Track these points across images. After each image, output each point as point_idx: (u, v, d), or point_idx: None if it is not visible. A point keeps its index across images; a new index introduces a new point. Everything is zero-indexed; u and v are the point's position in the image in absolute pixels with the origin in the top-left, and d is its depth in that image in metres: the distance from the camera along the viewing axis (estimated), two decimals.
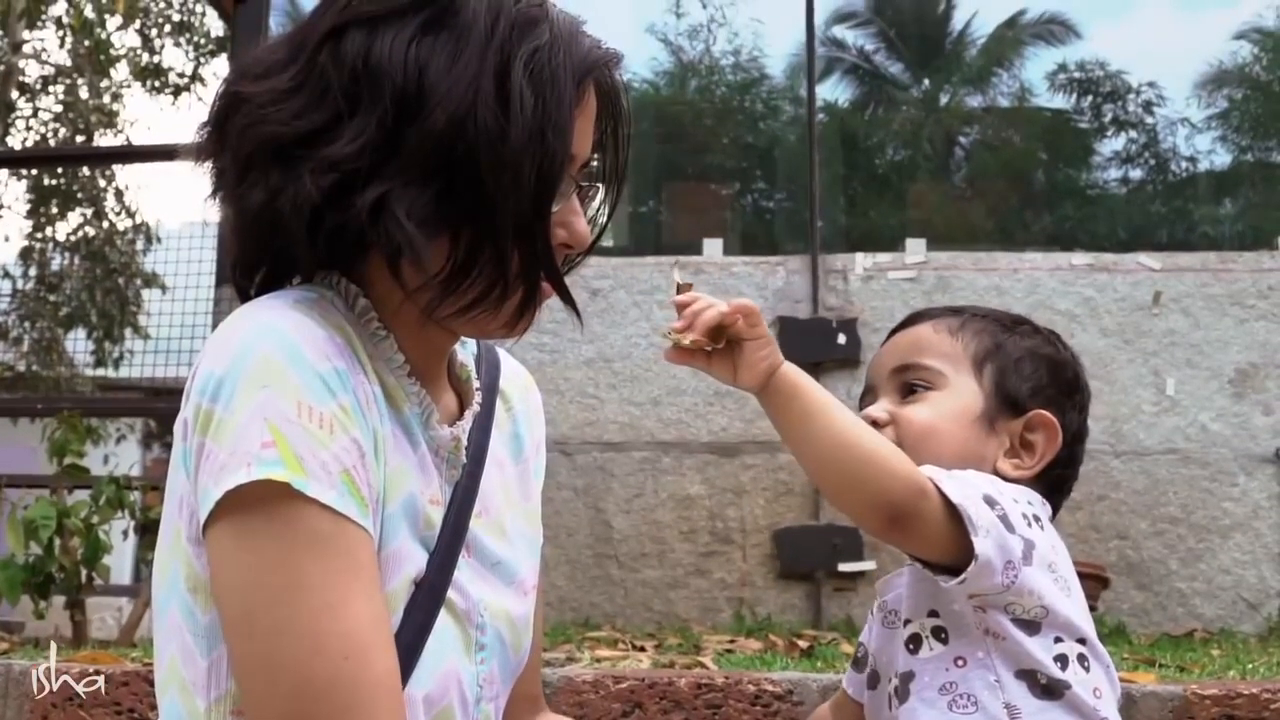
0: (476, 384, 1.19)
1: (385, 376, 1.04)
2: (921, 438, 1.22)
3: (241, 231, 1.05)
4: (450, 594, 1.05)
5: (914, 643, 1.18)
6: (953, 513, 1.10)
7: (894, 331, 1.36)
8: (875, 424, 1.24)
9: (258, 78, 1.02)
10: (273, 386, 0.92)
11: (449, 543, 1.06)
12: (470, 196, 0.98)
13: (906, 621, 1.19)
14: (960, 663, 1.15)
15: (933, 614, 1.17)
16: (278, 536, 0.90)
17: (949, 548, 1.11)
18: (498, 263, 1.00)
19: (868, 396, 1.32)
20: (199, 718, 0.97)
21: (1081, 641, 1.16)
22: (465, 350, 1.20)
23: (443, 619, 1.03)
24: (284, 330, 0.95)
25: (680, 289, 1.16)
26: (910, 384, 1.28)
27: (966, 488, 1.12)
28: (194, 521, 0.96)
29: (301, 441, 0.91)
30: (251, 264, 1.08)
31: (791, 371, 1.15)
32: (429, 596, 1.02)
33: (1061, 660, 1.14)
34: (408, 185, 0.97)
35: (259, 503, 0.90)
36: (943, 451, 1.21)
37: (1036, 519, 1.17)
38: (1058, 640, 1.15)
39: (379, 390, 1.02)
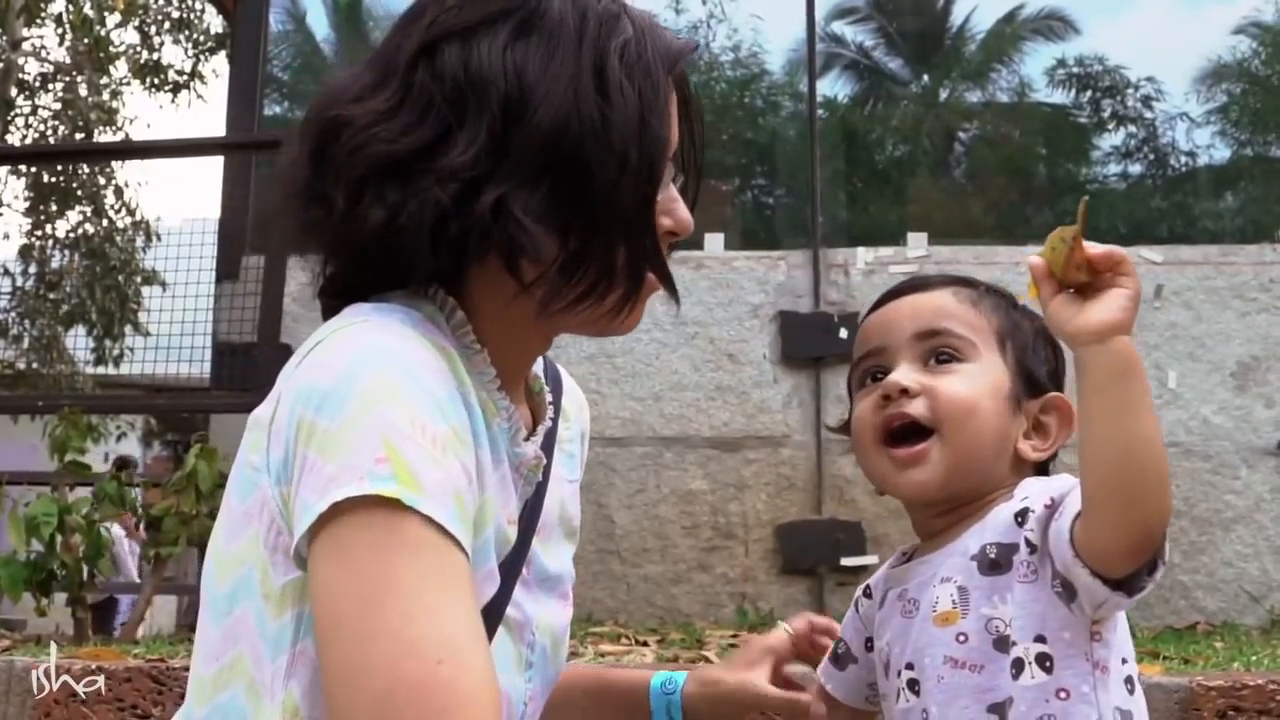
0: (549, 399, 1.19)
1: (479, 392, 1.03)
2: (966, 414, 1.14)
3: (351, 251, 1.04)
4: (509, 610, 1.05)
5: (1016, 667, 1.08)
6: None
7: (896, 294, 1.26)
8: (905, 393, 1.16)
9: (352, 102, 1.03)
10: (386, 403, 0.90)
11: (513, 561, 1.05)
12: (580, 190, 1.00)
13: (1012, 644, 1.09)
14: (1063, 695, 1.06)
15: (1039, 639, 1.08)
16: (374, 544, 0.87)
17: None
18: (605, 254, 1.02)
19: (872, 358, 1.22)
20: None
21: (1124, 661, 1.12)
22: (536, 365, 1.20)
23: (500, 636, 1.03)
24: (396, 350, 0.94)
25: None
26: (938, 352, 1.19)
27: None
28: (274, 528, 0.95)
29: (416, 457, 0.88)
30: (348, 282, 1.08)
31: (1129, 346, 1.03)
32: (491, 615, 1.00)
33: (1129, 683, 1.10)
34: (522, 185, 0.99)
35: (363, 514, 0.87)
36: (984, 430, 1.15)
37: None
38: (1124, 661, 1.11)
39: (479, 414, 1.01)
